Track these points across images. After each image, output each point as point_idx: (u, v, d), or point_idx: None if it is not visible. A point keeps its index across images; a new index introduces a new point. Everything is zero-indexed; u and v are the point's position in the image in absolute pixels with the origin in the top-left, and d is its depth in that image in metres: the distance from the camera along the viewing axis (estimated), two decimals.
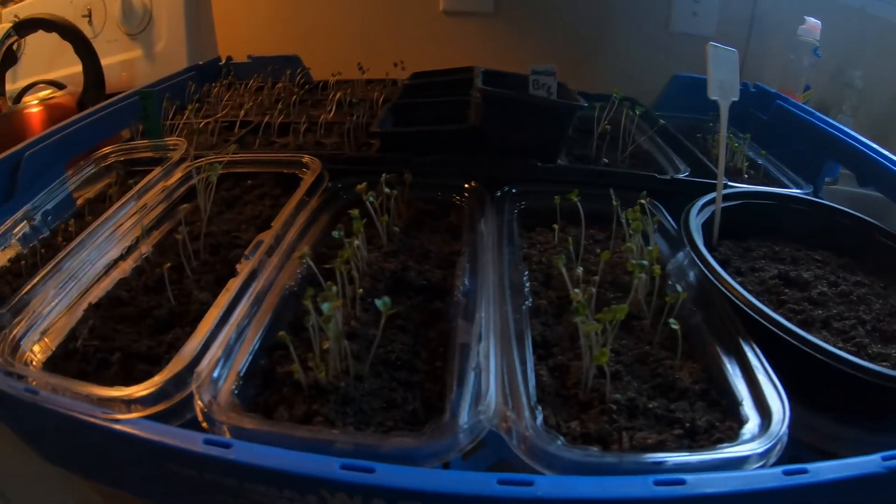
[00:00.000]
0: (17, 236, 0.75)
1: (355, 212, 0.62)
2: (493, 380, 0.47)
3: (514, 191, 0.77)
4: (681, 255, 0.67)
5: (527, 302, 0.59)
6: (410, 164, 0.78)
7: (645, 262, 0.57)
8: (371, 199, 0.65)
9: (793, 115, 1.03)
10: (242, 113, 0.98)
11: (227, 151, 0.77)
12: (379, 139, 0.83)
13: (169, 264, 0.58)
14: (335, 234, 0.59)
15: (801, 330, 0.51)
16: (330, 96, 0.99)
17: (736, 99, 0.72)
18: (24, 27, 1.04)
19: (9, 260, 0.72)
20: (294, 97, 1.01)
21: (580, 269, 0.61)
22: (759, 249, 0.72)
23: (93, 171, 0.87)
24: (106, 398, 0.45)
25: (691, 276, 0.64)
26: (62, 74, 1.17)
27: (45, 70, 1.22)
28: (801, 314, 0.60)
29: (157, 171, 0.77)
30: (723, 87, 0.72)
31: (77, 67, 1.08)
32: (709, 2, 1.35)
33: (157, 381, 0.46)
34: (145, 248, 0.68)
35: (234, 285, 0.55)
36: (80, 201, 0.84)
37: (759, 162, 0.96)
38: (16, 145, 1.01)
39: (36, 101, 1.05)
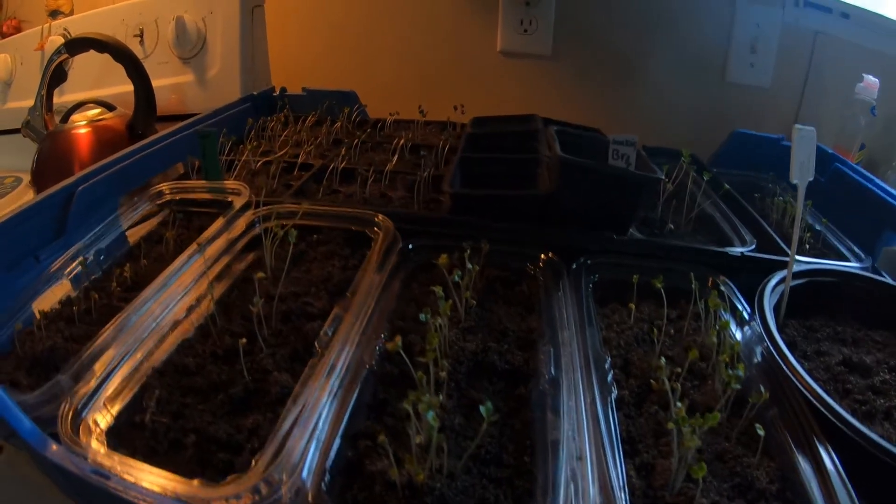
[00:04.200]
0: (69, 276, 0.71)
1: (439, 290, 0.59)
2: (591, 485, 0.45)
3: (588, 262, 0.74)
4: (748, 331, 0.66)
5: (612, 393, 0.56)
6: (482, 229, 0.76)
7: (741, 373, 0.53)
8: (458, 278, 0.62)
9: (851, 179, 1.01)
10: (303, 156, 0.94)
11: (298, 209, 0.73)
12: (450, 199, 0.80)
13: (244, 340, 0.54)
14: (423, 317, 0.56)
15: (866, 426, 0.50)
16: (394, 143, 0.96)
17: (811, 179, 0.71)
18: (76, 46, 1.01)
19: (59, 302, 0.68)
20: (356, 140, 0.97)
21: (663, 361, 0.57)
22: (822, 329, 0.71)
23: (146, 209, 0.83)
24: (191, 495, 0.42)
25: (758, 353, 0.62)
26: (110, 93, 1.14)
27: (92, 87, 1.19)
28: (865, 404, 0.58)
29: (220, 221, 0.73)
30: (802, 168, 0.71)
31: (125, 87, 1.05)
32: (766, 54, 1.34)
33: (248, 480, 0.42)
34: (209, 305, 0.64)
35: (319, 372, 0.51)
36: (131, 238, 0.80)
37: (818, 228, 0.93)
38: (62, 165, 0.98)
39: (84, 122, 1.02)
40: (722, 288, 0.71)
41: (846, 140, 1.27)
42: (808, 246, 0.89)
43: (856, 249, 0.88)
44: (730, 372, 0.53)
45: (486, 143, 0.99)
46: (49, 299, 0.68)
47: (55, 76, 1.01)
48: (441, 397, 0.54)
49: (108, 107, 1.07)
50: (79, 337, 0.62)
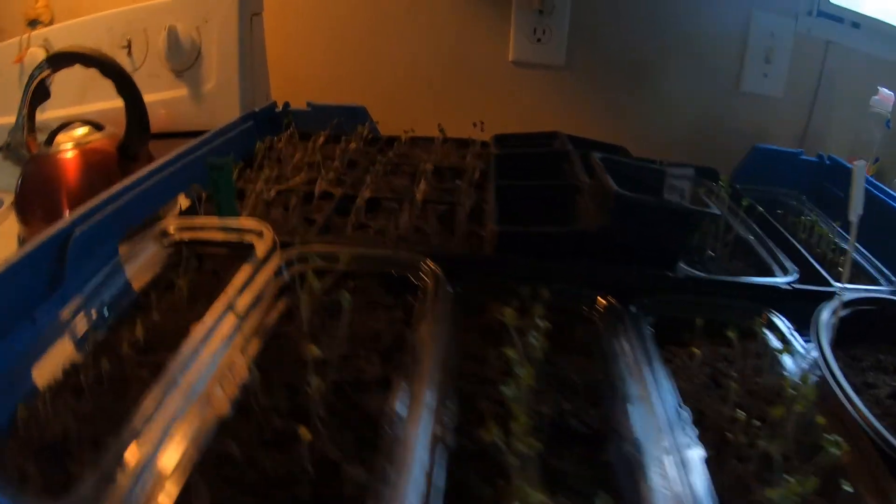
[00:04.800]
0: (71, 337, 0.62)
1: (512, 353, 0.52)
2: None
3: (647, 303, 0.70)
4: (800, 362, 0.64)
5: (698, 453, 0.51)
6: (530, 268, 0.72)
7: (839, 439, 0.49)
8: (535, 339, 0.56)
9: (876, 199, 1.00)
10: (320, 183, 0.86)
11: (334, 250, 0.65)
12: (496, 237, 0.73)
13: (309, 436, 0.46)
14: (508, 392, 0.49)
15: None
16: (420, 167, 0.88)
17: (861, 213, 0.71)
18: (60, 61, 0.90)
19: (63, 371, 0.59)
20: (377, 165, 0.90)
21: (741, 414, 0.54)
22: (866, 359, 0.70)
23: (152, 251, 0.74)
24: None
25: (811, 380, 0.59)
26: (95, 109, 1.04)
27: (76, 102, 1.08)
28: None
29: (245, 270, 0.65)
30: (857, 203, 0.71)
31: (113, 102, 0.95)
32: (780, 63, 1.34)
33: None
34: (243, 374, 0.56)
35: (401, 465, 0.44)
36: (136, 284, 0.71)
37: (844, 247, 0.93)
38: (48, 192, 0.88)
39: (71, 144, 0.91)
40: (776, 322, 0.69)
41: (860, 152, 1.26)
42: (841, 269, 0.88)
43: (885, 271, 0.88)
44: (827, 437, 0.50)
45: (515, 166, 0.93)
46: (50, 365, 0.59)
47: (37, 94, 0.90)
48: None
49: (96, 126, 0.96)
50: (91, 416, 0.53)
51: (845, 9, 1.34)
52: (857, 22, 1.35)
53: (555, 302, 0.68)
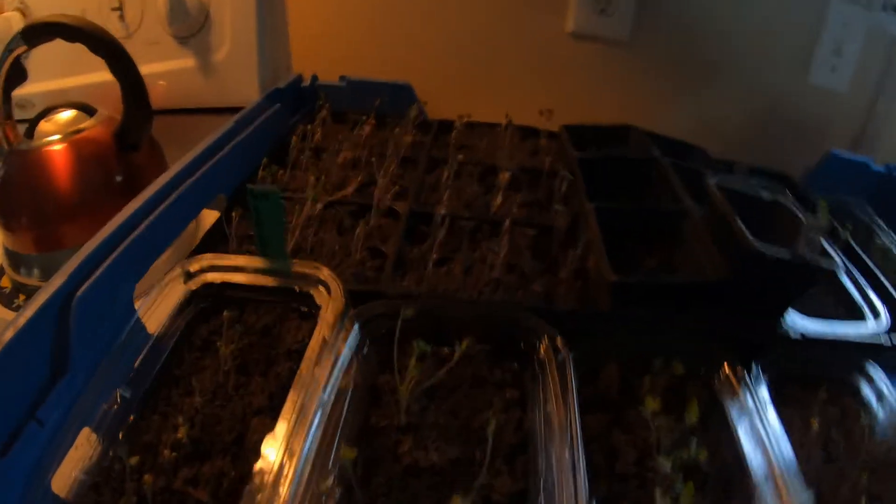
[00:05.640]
0: (95, 433, 0.48)
1: (666, 461, 0.44)
2: None
3: (765, 362, 0.59)
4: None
5: None
6: (649, 322, 0.60)
7: None
8: (695, 452, 0.45)
9: None
10: (383, 193, 0.69)
11: (425, 312, 0.51)
12: (611, 288, 0.60)
13: None
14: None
15: None
16: (501, 177, 0.72)
17: None
18: (37, 35, 0.70)
19: (93, 487, 0.46)
20: (446, 173, 0.73)
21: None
22: None
23: (175, 298, 0.58)
24: None
25: None
26: (81, 84, 0.84)
27: (55, 75, 0.88)
28: None
29: (317, 338, 0.50)
30: None
31: (103, 74, 0.76)
32: (849, 57, 1.21)
33: None
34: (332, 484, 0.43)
35: None
36: (162, 350, 0.56)
37: None
38: (34, 196, 0.72)
39: (59, 136, 0.73)
40: (875, 377, 0.62)
41: None
42: None
43: None
44: None
45: (600, 173, 0.78)
46: (69, 474, 0.46)
47: (12, 75, 0.71)
48: None
49: (86, 109, 0.78)
50: None
51: None
52: None
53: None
